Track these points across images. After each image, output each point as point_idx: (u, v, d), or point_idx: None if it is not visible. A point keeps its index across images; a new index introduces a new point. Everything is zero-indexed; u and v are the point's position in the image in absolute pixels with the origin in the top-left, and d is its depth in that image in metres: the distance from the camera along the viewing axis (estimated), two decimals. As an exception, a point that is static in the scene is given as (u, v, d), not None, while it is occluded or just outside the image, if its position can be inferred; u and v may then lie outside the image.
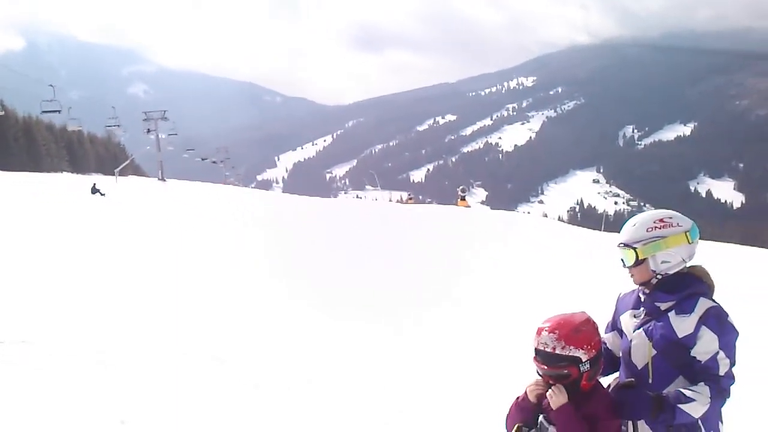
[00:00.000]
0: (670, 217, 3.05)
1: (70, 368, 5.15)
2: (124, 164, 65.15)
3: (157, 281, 10.75)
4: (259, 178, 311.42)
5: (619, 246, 3.11)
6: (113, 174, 55.26)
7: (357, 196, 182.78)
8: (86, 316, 7.19)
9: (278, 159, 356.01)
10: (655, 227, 3.01)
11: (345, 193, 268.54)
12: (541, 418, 2.73)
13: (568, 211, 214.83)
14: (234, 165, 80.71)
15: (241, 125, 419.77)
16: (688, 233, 3.03)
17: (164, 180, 61.77)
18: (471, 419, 4.44)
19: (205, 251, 14.69)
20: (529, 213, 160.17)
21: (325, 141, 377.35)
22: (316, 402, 4.91)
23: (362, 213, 19.83)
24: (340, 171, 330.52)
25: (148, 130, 68.34)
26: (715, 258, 18.62)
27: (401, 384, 4.75)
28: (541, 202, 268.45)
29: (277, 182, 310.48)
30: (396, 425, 4.95)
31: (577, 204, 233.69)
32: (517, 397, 2.89)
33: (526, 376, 3.23)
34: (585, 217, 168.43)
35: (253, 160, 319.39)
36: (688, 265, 3.10)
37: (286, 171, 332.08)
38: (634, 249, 3.00)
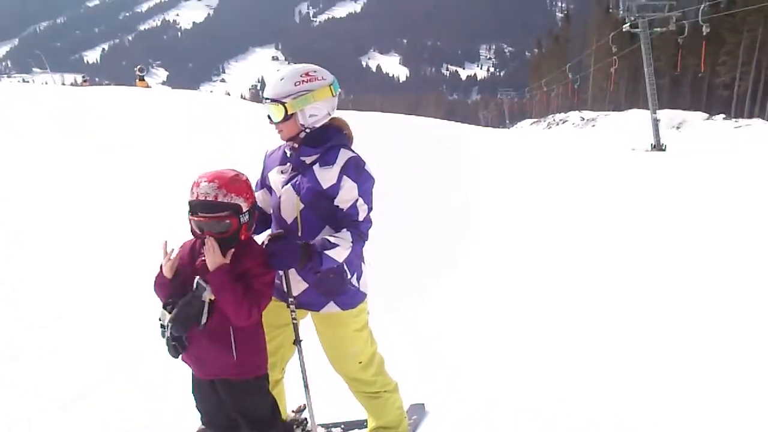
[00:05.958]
0: (315, 71, 2.97)
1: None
2: None
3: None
4: None
5: (265, 102, 2.97)
6: None
7: (23, 80, 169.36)
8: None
9: None
10: (303, 81, 2.91)
11: (8, 77, 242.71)
12: (197, 279, 2.65)
13: (250, 89, 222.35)
14: None
15: None
16: (331, 86, 2.99)
17: None
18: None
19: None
20: (212, 92, 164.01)
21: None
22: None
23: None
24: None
25: None
26: (386, 126, 20.09)
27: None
28: (223, 81, 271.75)
29: None
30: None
31: (259, 81, 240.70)
32: (156, 274, 2.75)
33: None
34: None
35: None
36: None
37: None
38: (283, 104, 2.90)
